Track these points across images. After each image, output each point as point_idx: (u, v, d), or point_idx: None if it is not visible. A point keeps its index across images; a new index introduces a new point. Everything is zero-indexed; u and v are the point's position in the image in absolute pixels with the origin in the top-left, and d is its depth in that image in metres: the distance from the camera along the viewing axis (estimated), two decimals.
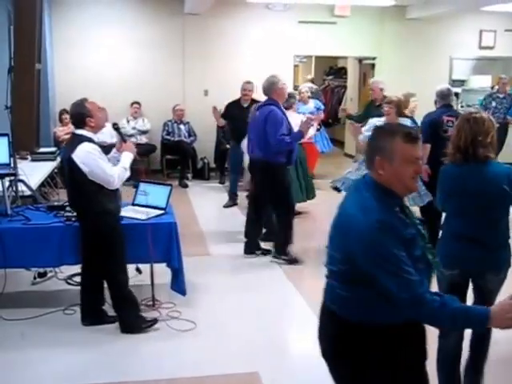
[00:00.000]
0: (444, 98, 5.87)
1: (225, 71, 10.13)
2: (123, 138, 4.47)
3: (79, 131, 4.06)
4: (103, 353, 4.07)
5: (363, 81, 12.26)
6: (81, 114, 4.04)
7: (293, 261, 5.86)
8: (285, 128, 5.66)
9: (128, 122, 9.76)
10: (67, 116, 8.79)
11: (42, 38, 8.63)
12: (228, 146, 9.12)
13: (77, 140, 4.01)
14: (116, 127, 4.50)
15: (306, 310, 4.67)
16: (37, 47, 7.67)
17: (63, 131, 8.96)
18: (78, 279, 4.80)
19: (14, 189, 4.99)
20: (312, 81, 13.38)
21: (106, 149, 4.34)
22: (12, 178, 4.97)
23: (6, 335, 4.26)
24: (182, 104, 10.05)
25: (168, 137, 9.89)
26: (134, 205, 4.83)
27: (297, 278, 5.49)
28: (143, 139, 9.82)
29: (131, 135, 9.69)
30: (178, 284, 4.60)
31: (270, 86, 5.80)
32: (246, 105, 7.93)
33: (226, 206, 8.19)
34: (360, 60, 12.05)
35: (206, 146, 10.00)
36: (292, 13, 10.32)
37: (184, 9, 9.71)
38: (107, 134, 7.84)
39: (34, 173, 5.80)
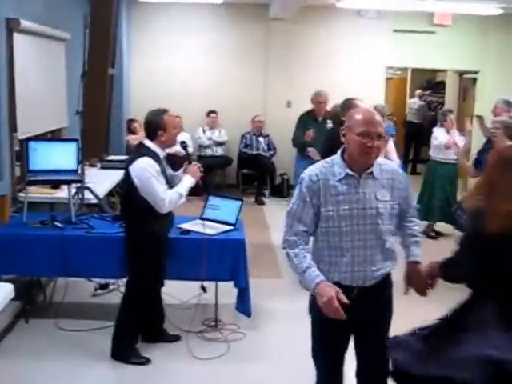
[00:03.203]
0: None
1: (310, 81, 10.02)
2: (189, 158, 4.44)
3: (147, 142, 4.05)
4: (160, 372, 4.14)
5: (463, 97, 11.99)
6: (154, 124, 4.01)
7: None
8: None
9: (204, 131, 9.95)
10: (136, 125, 9.05)
11: (119, 44, 8.92)
12: None
13: (139, 152, 4.03)
14: (184, 145, 4.48)
15: None
16: (111, 52, 7.92)
17: (136, 139, 9.22)
18: None
19: (80, 196, 5.19)
20: (420, 96, 13.17)
21: (175, 160, 4.41)
22: (78, 184, 5.15)
23: (62, 345, 4.42)
24: (262, 115, 10.14)
25: (246, 149, 9.98)
26: (202, 219, 4.88)
27: None
28: (219, 151, 10.01)
29: (207, 146, 9.88)
30: (244, 304, 4.62)
31: None
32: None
33: None
34: (461, 74, 11.79)
35: (286, 160, 9.77)
36: (386, 20, 10.21)
37: (269, 14, 9.81)
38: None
39: (102, 181, 5.96)
